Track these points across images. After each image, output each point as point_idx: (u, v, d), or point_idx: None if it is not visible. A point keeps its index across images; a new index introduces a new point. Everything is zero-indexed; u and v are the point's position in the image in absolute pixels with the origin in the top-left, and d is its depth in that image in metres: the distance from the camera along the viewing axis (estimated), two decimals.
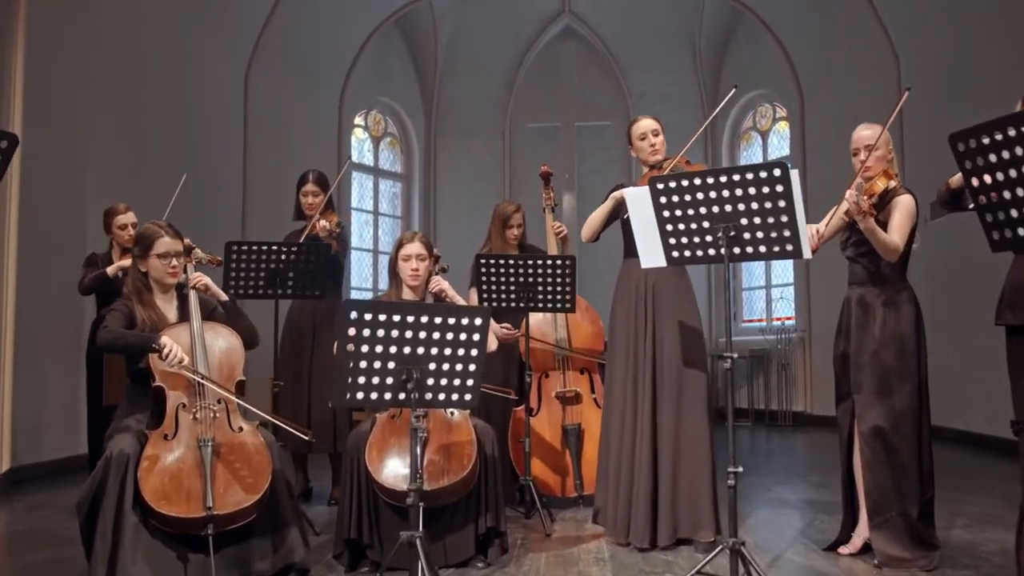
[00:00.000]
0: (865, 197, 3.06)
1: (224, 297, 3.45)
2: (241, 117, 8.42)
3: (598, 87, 10.36)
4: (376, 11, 9.56)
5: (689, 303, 3.75)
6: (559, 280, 4.17)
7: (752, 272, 10.35)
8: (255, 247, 4.11)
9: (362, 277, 10.22)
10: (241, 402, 3.12)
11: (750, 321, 10.26)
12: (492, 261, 4.17)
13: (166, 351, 2.98)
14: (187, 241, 3.39)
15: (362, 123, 10.28)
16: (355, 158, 10.08)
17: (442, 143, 10.53)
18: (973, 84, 6.87)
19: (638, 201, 3.11)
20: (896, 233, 3.21)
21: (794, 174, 2.68)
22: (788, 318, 9.75)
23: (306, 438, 3.09)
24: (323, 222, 4.47)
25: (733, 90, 3.79)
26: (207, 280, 3.39)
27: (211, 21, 7.68)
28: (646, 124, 3.83)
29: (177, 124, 7.23)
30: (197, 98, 7.58)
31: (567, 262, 4.16)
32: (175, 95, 7.24)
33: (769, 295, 10.14)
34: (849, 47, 8.65)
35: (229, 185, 8.15)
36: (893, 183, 3.25)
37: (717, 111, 4.15)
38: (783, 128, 9.97)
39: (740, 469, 2.81)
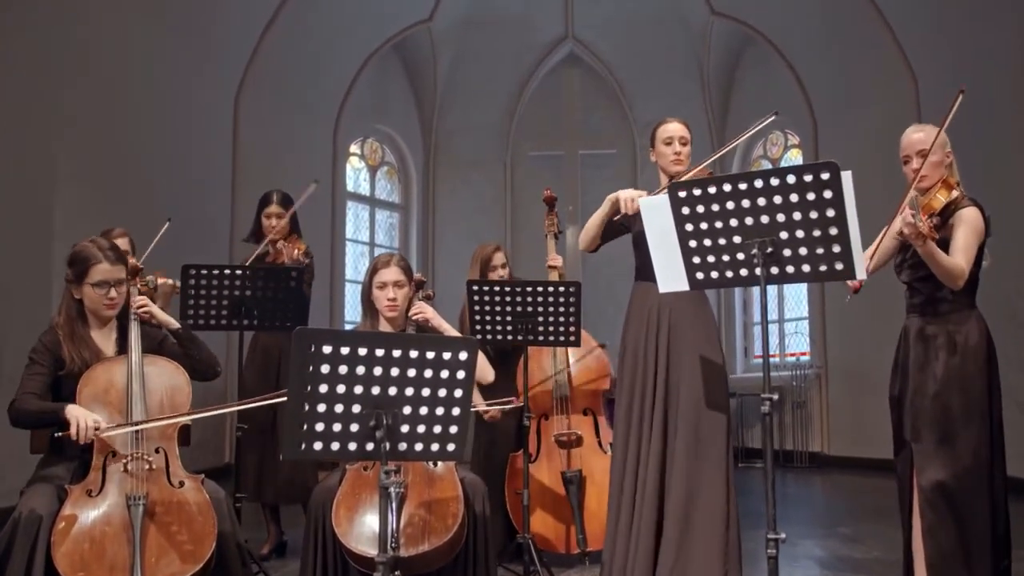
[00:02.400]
0: (924, 217, 2.57)
1: (175, 324, 2.98)
2: (230, 145, 8.02)
3: (602, 115, 10.08)
4: (373, 36, 9.26)
5: (710, 334, 3.29)
6: (562, 310, 3.70)
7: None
8: (216, 271, 3.65)
9: (357, 311, 9.76)
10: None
11: (760, 357, 9.80)
12: (486, 289, 3.71)
13: (72, 430, 2.51)
14: (133, 262, 2.94)
15: (358, 151, 9.94)
16: (351, 187, 9.75)
17: (441, 172, 10.20)
18: (997, 108, 6.50)
19: (655, 212, 2.62)
20: (961, 254, 2.72)
21: (846, 176, 2.21)
22: (803, 353, 9.32)
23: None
24: (293, 252, 4.03)
25: (772, 116, 3.30)
26: (152, 308, 2.92)
27: (198, 45, 7.29)
28: (674, 128, 3.33)
29: (160, 154, 6.80)
30: (182, 125, 7.15)
31: (571, 289, 3.69)
32: (158, 122, 6.82)
33: (782, 329, 9.69)
34: (865, 70, 8.30)
35: (216, 217, 7.71)
36: (955, 193, 2.78)
37: (751, 132, 3.63)
38: (795, 156, 9.60)
39: (783, 536, 2.31)
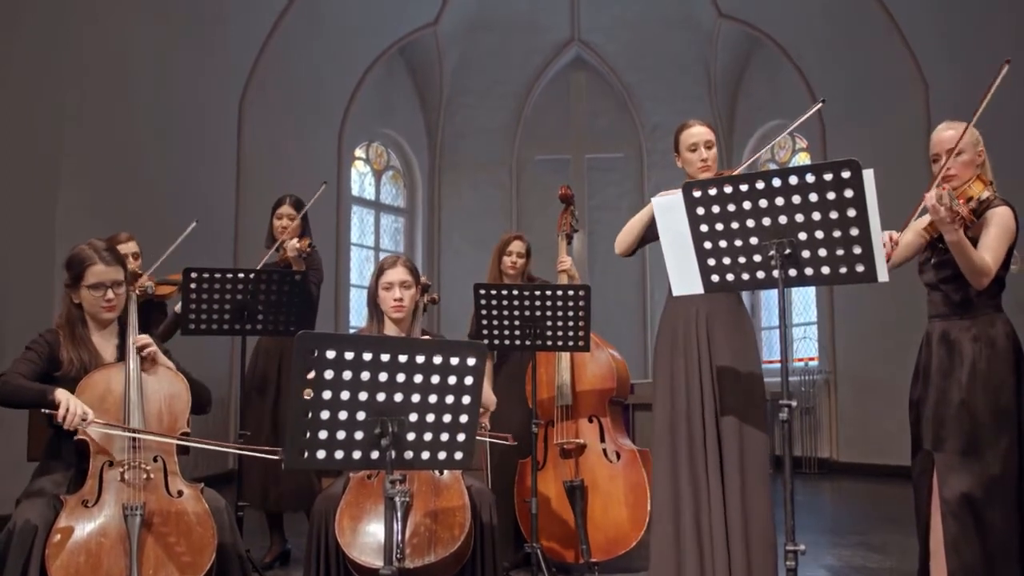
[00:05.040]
0: (960, 201, 2.47)
1: (170, 365, 2.84)
2: (234, 149, 7.95)
3: (609, 118, 10.00)
4: (378, 39, 9.20)
5: (750, 342, 3.17)
6: (571, 314, 3.62)
7: (772, 309, 9.83)
8: (218, 275, 3.58)
9: (362, 316, 9.72)
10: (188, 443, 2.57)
11: (769, 362, 9.72)
12: (493, 292, 3.64)
13: (61, 412, 2.42)
14: (134, 267, 2.87)
15: (363, 156, 9.88)
16: (356, 192, 9.70)
17: (447, 176, 10.14)
18: (1007, 112, 6.40)
19: (669, 212, 2.54)
20: (989, 252, 2.61)
21: (867, 175, 2.13)
22: (811, 359, 9.22)
23: (276, 458, 2.50)
24: (293, 241, 3.98)
25: (820, 103, 3.20)
26: (154, 349, 2.75)
27: (202, 48, 7.23)
28: (699, 132, 3.18)
29: (164, 157, 6.74)
30: (187, 129, 7.09)
31: (580, 293, 3.61)
32: (162, 126, 6.75)
33: (790, 334, 9.60)
34: (874, 73, 8.21)
35: (220, 222, 7.64)
36: (987, 192, 2.69)
37: (800, 121, 3.49)
38: (804, 160, 9.51)
39: (802, 548, 2.24)
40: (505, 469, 4.14)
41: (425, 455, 2.18)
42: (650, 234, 3.25)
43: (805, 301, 9.43)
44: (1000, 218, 2.68)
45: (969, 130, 2.74)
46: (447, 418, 2.17)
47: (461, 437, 2.20)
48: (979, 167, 2.76)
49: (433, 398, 2.15)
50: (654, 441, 3.23)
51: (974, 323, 2.73)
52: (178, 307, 4.00)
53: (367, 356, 2.07)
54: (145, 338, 2.74)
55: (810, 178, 2.19)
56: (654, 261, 9.35)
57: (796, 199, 2.23)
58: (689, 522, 3.05)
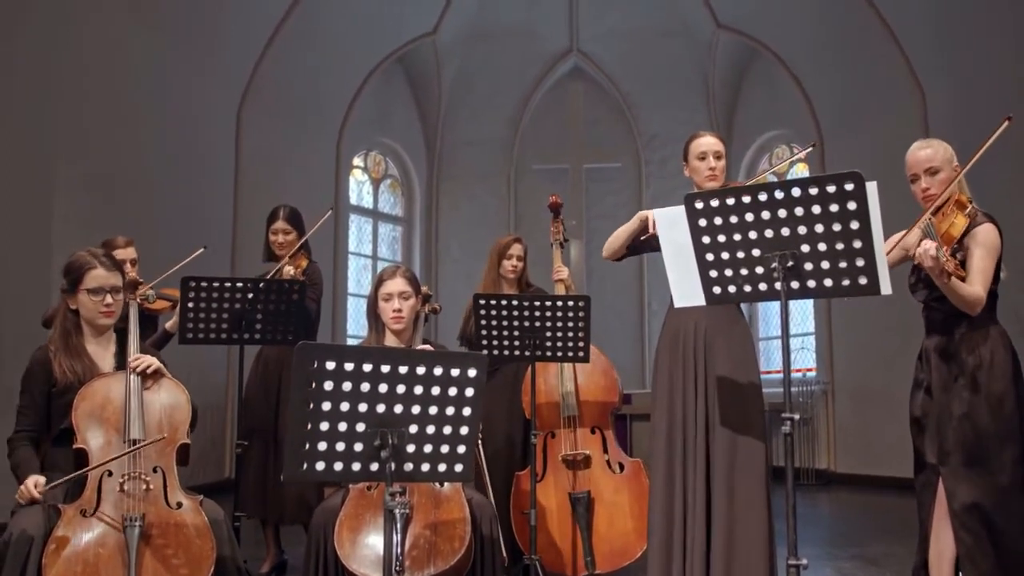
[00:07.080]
0: (946, 252, 2.45)
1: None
2: (232, 157, 7.95)
3: (607, 128, 10.01)
4: (377, 49, 9.22)
5: (749, 354, 3.16)
6: (571, 325, 3.61)
7: (769, 320, 9.84)
8: (216, 283, 3.56)
9: (359, 325, 9.71)
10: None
11: (767, 373, 9.72)
12: (492, 302, 3.62)
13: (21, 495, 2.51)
14: (132, 275, 2.86)
15: (361, 164, 9.88)
16: (354, 200, 9.70)
17: (445, 185, 10.15)
18: (995, 121, 6.43)
19: (670, 224, 2.54)
20: (978, 278, 2.61)
21: (871, 187, 2.13)
22: (809, 369, 9.22)
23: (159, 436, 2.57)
24: (288, 268, 3.95)
25: (811, 147, 3.27)
26: (156, 364, 2.72)
27: (200, 57, 7.23)
28: (708, 142, 3.18)
29: (162, 166, 6.73)
30: (184, 138, 7.08)
31: (580, 304, 3.60)
32: (159, 133, 6.75)
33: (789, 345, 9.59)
34: (871, 83, 8.24)
35: (218, 231, 7.62)
36: (969, 208, 2.68)
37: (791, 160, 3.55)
38: (802, 171, 9.52)
39: (804, 562, 2.22)
40: (494, 479, 4.11)
41: (425, 467, 2.17)
42: (643, 247, 3.27)
43: (803, 312, 9.43)
44: (984, 237, 2.68)
45: (943, 147, 2.74)
46: (447, 430, 2.16)
47: (461, 449, 2.18)
48: (956, 182, 2.73)
49: (433, 410, 2.14)
50: (652, 451, 3.23)
51: (970, 336, 2.72)
52: (169, 324, 3.97)
53: (367, 367, 2.06)
54: (142, 358, 2.71)
55: (813, 190, 2.19)
56: (652, 271, 9.37)
57: (799, 211, 2.23)
58: (678, 533, 3.06)
